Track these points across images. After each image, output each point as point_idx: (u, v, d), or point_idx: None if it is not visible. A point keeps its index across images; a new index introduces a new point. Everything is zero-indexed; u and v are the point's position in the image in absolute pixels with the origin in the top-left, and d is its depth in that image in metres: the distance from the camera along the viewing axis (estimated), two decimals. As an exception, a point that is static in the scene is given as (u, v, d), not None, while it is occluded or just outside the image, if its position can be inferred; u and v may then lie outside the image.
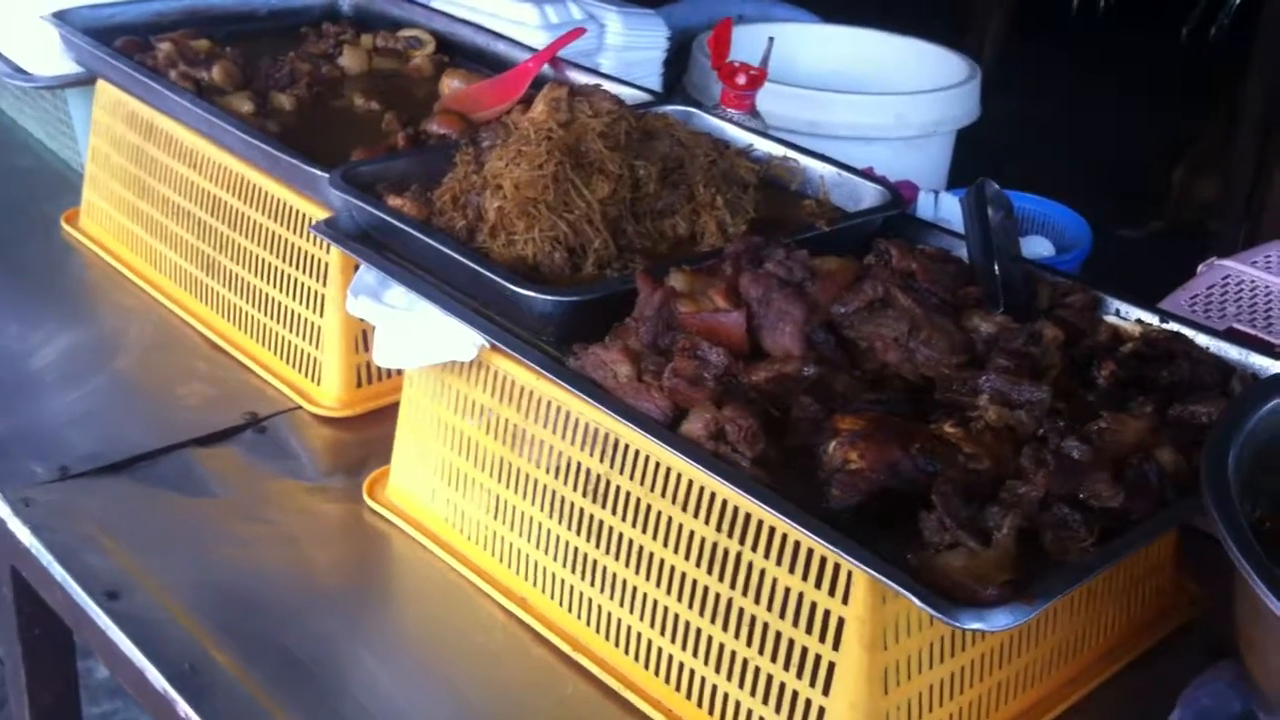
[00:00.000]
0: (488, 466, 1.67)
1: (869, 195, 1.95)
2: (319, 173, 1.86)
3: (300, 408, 2.02)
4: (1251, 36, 5.50)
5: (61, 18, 2.38)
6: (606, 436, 1.51)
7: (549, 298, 1.56)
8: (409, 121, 2.17)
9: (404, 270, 1.70)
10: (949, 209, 2.44)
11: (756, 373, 1.42)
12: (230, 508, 1.82)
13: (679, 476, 1.44)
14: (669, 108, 2.13)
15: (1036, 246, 2.51)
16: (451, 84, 2.33)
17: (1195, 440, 1.39)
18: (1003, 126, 3.39)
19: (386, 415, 1.91)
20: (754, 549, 1.37)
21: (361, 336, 1.99)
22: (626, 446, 1.49)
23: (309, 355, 2.03)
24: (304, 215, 1.98)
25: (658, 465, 1.46)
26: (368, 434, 1.98)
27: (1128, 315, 1.68)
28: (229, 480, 1.88)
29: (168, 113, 2.20)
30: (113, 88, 2.34)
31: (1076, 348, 1.54)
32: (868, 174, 2.04)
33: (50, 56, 2.48)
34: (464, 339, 1.63)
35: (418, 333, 1.66)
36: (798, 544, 1.33)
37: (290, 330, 2.05)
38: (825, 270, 1.51)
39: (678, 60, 3.19)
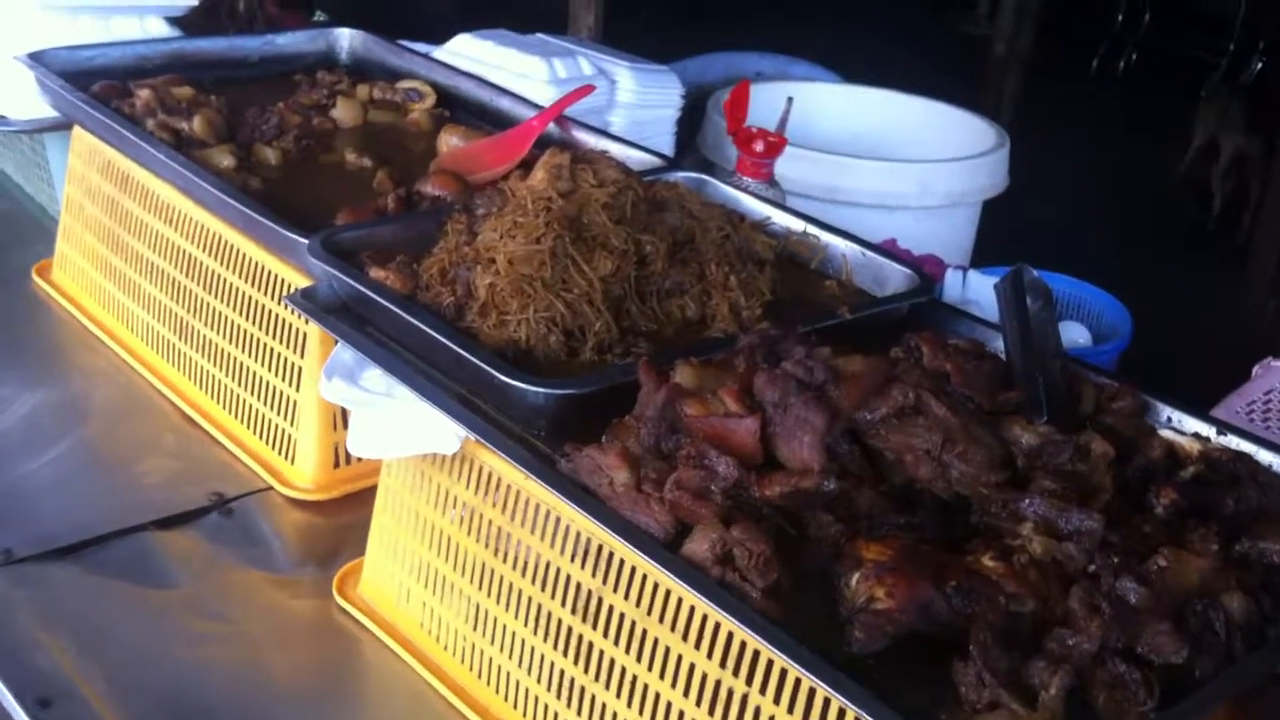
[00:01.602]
0: (467, 570, 1.51)
1: (895, 278, 1.80)
2: (298, 238, 1.71)
3: (271, 488, 1.86)
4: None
5: (39, 59, 2.24)
6: (600, 549, 1.35)
7: (541, 390, 1.40)
8: (402, 181, 2.02)
9: (384, 350, 1.54)
10: (978, 288, 2.29)
11: (770, 486, 1.26)
12: (187, 601, 1.66)
13: (679, 601, 1.28)
14: (680, 175, 1.98)
15: (1072, 333, 2.35)
16: (450, 141, 2.18)
17: (1265, 583, 1.23)
18: (1025, 187, 3.23)
19: (364, 499, 1.75)
20: (762, 691, 1.21)
21: (341, 414, 1.83)
22: (622, 561, 1.33)
23: (283, 431, 1.87)
24: (282, 281, 1.83)
25: (656, 586, 1.30)
26: (343, 519, 1.82)
27: (1180, 424, 1.52)
28: (189, 568, 1.72)
29: (143, 164, 2.05)
30: (89, 135, 2.20)
31: (1129, 466, 1.37)
32: (893, 252, 1.89)
33: (30, 98, 2.34)
34: (446, 429, 1.47)
35: (396, 420, 1.51)
36: (813, 691, 1.17)
37: (264, 403, 1.89)
38: (849, 372, 1.35)
39: (691, 117, 3.05)
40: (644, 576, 1.31)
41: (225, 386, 1.95)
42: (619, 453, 1.30)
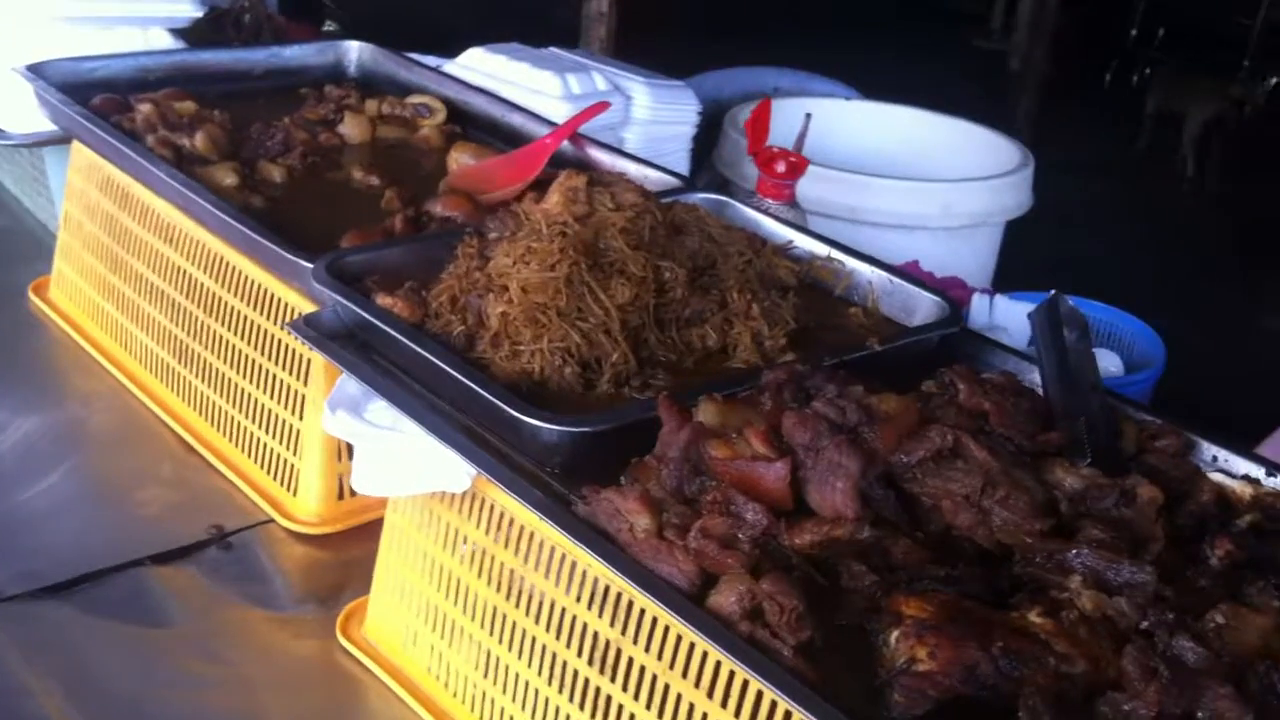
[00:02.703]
0: (478, 614, 1.44)
1: (924, 306, 1.72)
2: (302, 261, 1.64)
3: (272, 521, 1.78)
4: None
5: (38, 71, 2.18)
6: (619, 596, 1.28)
7: (555, 427, 1.32)
8: (411, 200, 1.95)
9: (390, 382, 1.47)
10: (1006, 314, 2.21)
11: (801, 534, 1.19)
12: (183, 641, 1.59)
13: (704, 655, 1.20)
14: (699, 196, 1.91)
15: (1104, 362, 2.27)
16: (460, 159, 2.11)
17: (1331, 641, 1.15)
18: (1042, 206, 3.14)
19: (369, 533, 1.68)
20: (792, 755, 1.13)
21: (346, 444, 1.75)
22: (643, 611, 1.26)
23: (285, 462, 1.80)
24: (285, 305, 1.76)
25: (679, 638, 1.22)
26: (347, 554, 1.75)
27: (1228, 464, 1.45)
28: (186, 606, 1.64)
29: (143, 181, 1.98)
30: (88, 150, 2.13)
31: (1178, 512, 1.30)
32: (922, 279, 1.82)
33: (30, 111, 2.27)
34: (456, 466, 1.40)
35: (403, 456, 1.43)
36: (848, 758, 1.09)
37: (266, 432, 1.82)
38: (884, 412, 1.27)
39: (707, 133, 2.98)
40: (666, 628, 1.23)
41: (225, 413, 1.88)
42: (640, 497, 1.23)
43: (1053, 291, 1.67)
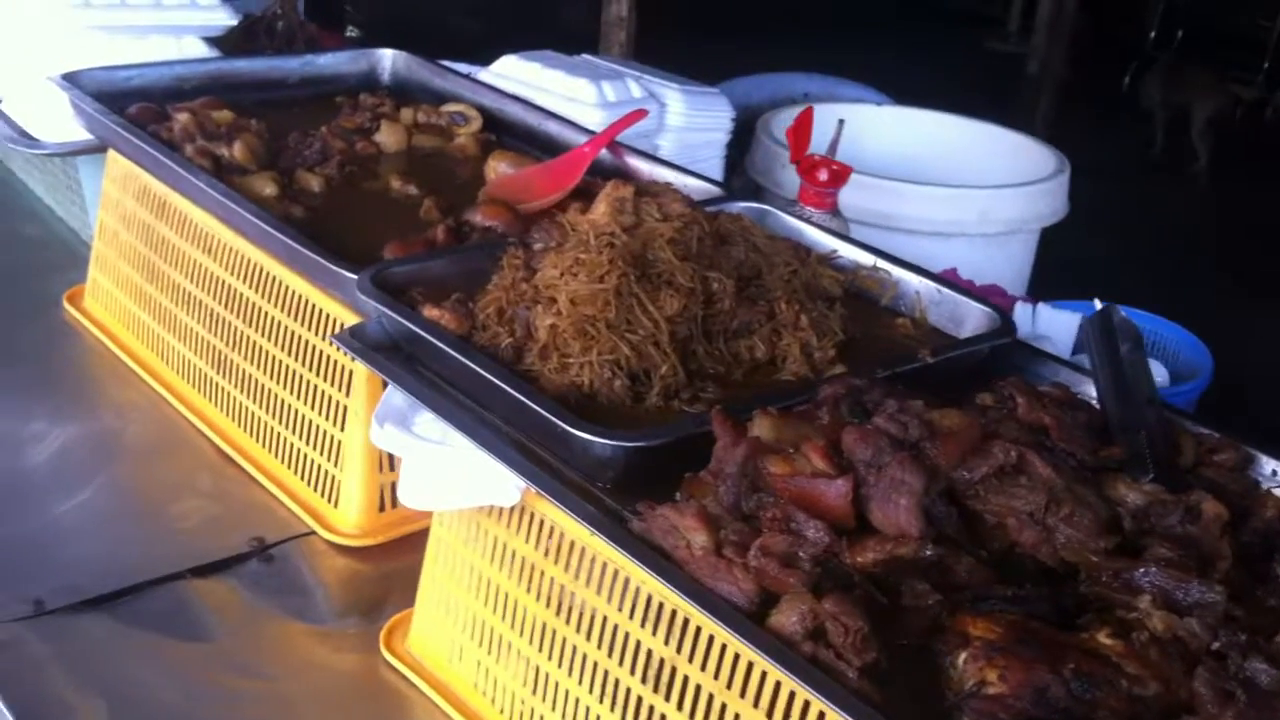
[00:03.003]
0: (526, 630, 1.42)
1: (973, 316, 1.70)
2: (346, 273, 1.62)
3: (313, 533, 1.77)
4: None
5: (73, 80, 2.17)
6: (674, 614, 1.26)
7: (609, 442, 1.31)
8: (450, 209, 1.93)
9: (438, 394, 1.46)
10: (1049, 323, 2.19)
11: (863, 553, 1.17)
12: (223, 655, 1.57)
13: (764, 675, 1.18)
14: (741, 205, 1.89)
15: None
16: (498, 168, 2.09)
17: (1407, 663, 1.13)
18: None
19: (412, 544, 1.67)
20: (858, 778, 1.11)
21: (388, 455, 1.74)
22: (698, 629, 1.24)
23: (326, 473, 1.78)
24: (327, 316, 1.74)
25: (737, 658, 1.20)
26: (389, 566, 1.73)
27: (1289, 480, 1.42)
28: (226, 620, 1.63)
29: (181, 191, 1.97)
30: (124, 159, 2.12)
31: (1242, 529, 1.28)
32: (971, 288, 1.80)
33: (64, 120, 2.27)
34: (505, 480, 1.38)
35: (451, 469, 1.42)
36: (917, 782, 1.07)
37: (307, 443, 1.81)
38: (945, 427, 1.25)
39: (738, 138, 2.96)
40: (723, 646, 1.21)
41: (265, 424, 1.87)
42: (697, 513, 1.21)
43: (1096, 301, 1.65)
